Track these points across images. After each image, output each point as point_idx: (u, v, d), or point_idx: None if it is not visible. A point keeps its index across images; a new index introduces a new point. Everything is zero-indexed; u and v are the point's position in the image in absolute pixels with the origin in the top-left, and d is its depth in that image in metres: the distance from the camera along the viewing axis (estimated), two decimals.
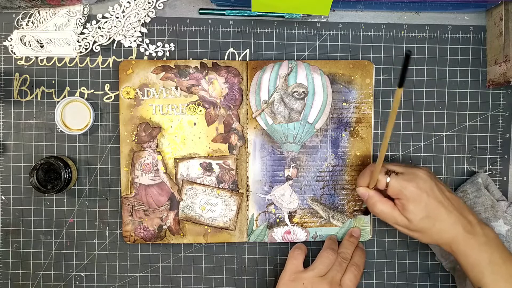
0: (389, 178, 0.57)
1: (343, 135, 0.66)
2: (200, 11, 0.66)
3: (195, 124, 0.66)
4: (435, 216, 0.55)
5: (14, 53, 0.66)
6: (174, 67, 0.65)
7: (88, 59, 0.67)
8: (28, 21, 0.66)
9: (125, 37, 0.66)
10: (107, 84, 0.67)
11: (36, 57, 0.66)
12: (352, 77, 0.65)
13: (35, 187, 0.62)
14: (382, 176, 0.57)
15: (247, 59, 0.67)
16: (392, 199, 0.58)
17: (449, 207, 0.56)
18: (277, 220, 0.66)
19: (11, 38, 0.65)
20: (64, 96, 0.67)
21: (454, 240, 0.55)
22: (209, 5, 0.66)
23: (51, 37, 0.65)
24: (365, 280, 0.68)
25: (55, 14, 0.65)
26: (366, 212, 0.66)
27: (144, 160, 0.65)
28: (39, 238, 0.67)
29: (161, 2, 0.66)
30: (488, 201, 0.63)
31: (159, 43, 0.66)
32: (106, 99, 0.67)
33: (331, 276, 0.60)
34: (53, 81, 0.67)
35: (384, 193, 0.59)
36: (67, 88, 0.67)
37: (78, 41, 0.65)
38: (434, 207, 0.55)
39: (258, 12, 0.65)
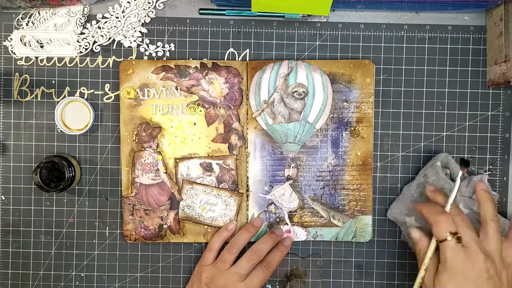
0: (450, 238, 0.54)
1: (344, 134, 0.66)
2: (200, 11, 0.66)
3: (195, 124, 0.66)
4: None
5: (14, 53, 0.66)
6: (174, 67, 0.65)
7: (88, 59, 0.67)
8: (28, 21, 0.66)
9: (125, 37, 0.66)
10: (107, 84, 0.67)
11: (36, 57, 0.66)
12: (353, 77, 0.65)
13: (38, 185, 0.62)
14: (446, 229, 0.54)
15: (247, 59, 0.67)
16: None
17: None
18: (277, 220, 0.66)
19: (11, 38, 0.65)
20: (64, 96, 0.67)
21: None
22: (209, 5, 0.67)
23: (51, 37, 0.65)
24: (365, 280, 0.68)
25: (55, 14, 0.65)
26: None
27: (145, 160, 0.65)
28: (39, 238, 0.67)
29: (161, 2, 0.66)
30: (446, 185, 0.62)
31: (159, 43, 0.66)
32: (106, 99, 0.67)
33: (235, 271, 0.62)
34: (53, 81, 0.67)
35: None
36: (67, 88, 0.67)
37: (78, 41, 0.65)
38: None
39: (258, 12, 0.65)
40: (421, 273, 0.56)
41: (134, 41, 0.66)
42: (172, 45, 0.67)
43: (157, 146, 0.65)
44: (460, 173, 0.58)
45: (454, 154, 0.67)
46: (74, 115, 0.66)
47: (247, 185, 0.66)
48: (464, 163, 0.59)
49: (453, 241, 0.53)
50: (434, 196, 0.60)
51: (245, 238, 0.64)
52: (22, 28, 0.66)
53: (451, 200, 0.57)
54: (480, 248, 0.53)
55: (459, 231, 0.54)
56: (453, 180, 0.64)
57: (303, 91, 0.64)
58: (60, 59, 0.66)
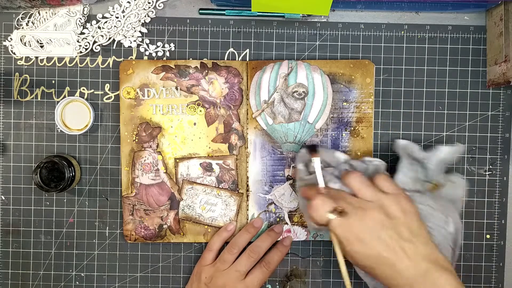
0: (332, 216, 0.53)
1: (344, 134, 0.66)
2: (200, 11, 0.66)
3: (195, 124, 0.66)
4: (379, 264, 0.51)
5: (14, 53, 0.66)
6: (174, 67, 0.65)
7: (88, 59, 0.67)
8: (28, 21, 0.66)
9: (125, 37, 0.66)
10: (107, 84, 0.67)
11: (36, 57, 0.66)
12: (353, 77, 0.65)
13: (38, 185, 0.62)
14: (324, 210, 0.53)
15: (247, 59, 0.67)
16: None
17: (400, 254, 0.50)
18: (277, 219, 0.66)
19: (11, 38, 0.65)
20: (64, 96, 0.67)
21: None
22: (209, 5, 0.67)
23: (51, 37, 0.65)
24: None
25: (55, 14, 0.65)
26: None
27: (145, 160, 0.65)
28: (39, 238, 0.67)
29: (161, 2, 0.66)
30: (309, 178, 0.61)
31: (159, 43, 0.66)
32: (106, 99, 0.67)
33: (235, 268, 0.62)
34: (53, 81, 0.67)
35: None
36: (67, 88, 0.67)
37: (78, 41, 0.65)
38: (381, 257, 0.51)
39: (258, 12, 0.65)
40: (340, 260, 0.54)
41: (134, 41, 0.66)
42: (172, 45, 0.67)
43: (157, 146, 0.65)
44: (314, 160, 0.57)
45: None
46: (74, 115, 0.66)
47: (247, 185, 0.66)
48: (309, 149, 0.59)
49: (337, 218, 0.52)
50: (306, 194, 0.58)
51: (245, 238, 0.64)
52: (22, 28, 0.66)
53: (320, 181, 0.56)
54: (359, 206, 0.52)
55: (337, 205, 0.53)
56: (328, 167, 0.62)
57: (303, 91, 0.64)
58: (60, 59, 0.66)
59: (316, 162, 0.57)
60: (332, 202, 0.53)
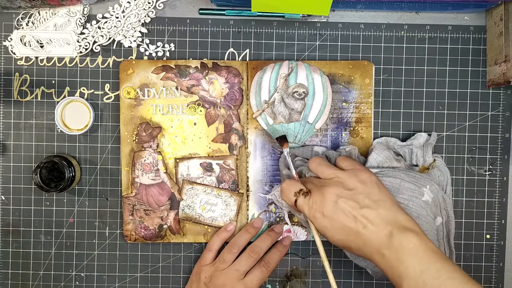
0: (298, 197, 0.56)
1: (343, 135, 0.66)
2: (200, 11, 0.66)
3: (195, 124, 0.66)
4: (347, 235, 0.52)
5: (14, 53, 0.66)
6: (174, 67, 0.65)
7: (88, 59, 0.67)
8: (28, 21, 0.66)
9: (125, 37, 0.66)
10: (107, 84, 0.67)
11: (36, 57, 0.66)
12: (352, 77, 0.66)
13: (38, 185, 0.62)
14: (290, 192, 0.56)
15: (247, 59, 0.67)
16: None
17: (362, 220, 0.51)
18: (278, 220, 0.66)
19: (11, 38, 0.65)
20: (64, 96, 0.67)
21: (372, 257, 0.51)
22: (209, 5, 0.67)
23: (51, 37, 0.65)
24: (365, 280, 0.68)
25: (55, 14, 0.65)
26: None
27: (145, 160, 0.65)
28: (39, 238, 0.67)
29: (161, 2, 0.66)
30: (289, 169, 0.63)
31: (159, 43, 0.66)
32: (106, 99, 0.67)
33: (235, 268, 0.62)
34: (53, 81, 0.67)
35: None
36: (67, 88, 0.67)
37: (78, 41, 0.65)
38: (346, 228, 0.52)
39: (258, 12, 0.65)
40: (317, 241, 0.57)
41: (134, 41, 0.66)
42: (172, 45, 0.67)
43: (157, 146, 0.65)
44: (285, 150, 0.61)
45: (454, 154, 0.67)
46: (74, 115, 0.66)
47: (247, 185, 0.66)
48: (279, 140, 0.62)
49: (301, 197, 0.55)
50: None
51: (245, 238, 0.64)
52: (22, 28, 0.66)
53: (291, 170, 0.60)
54: (320, 185, 0.55)
55: (303, 187, 0.56)
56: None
57: (303, 92, 0.64)
58: (60, 59, 0.66)
59: (285, 151, 0.61)
60: (299, 185, 0.56)
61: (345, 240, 0.53)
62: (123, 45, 0.66)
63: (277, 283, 0.68)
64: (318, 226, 0.54)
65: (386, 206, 0.52)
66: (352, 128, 0.66)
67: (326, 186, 0.54)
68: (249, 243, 0.65)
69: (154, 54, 0.66)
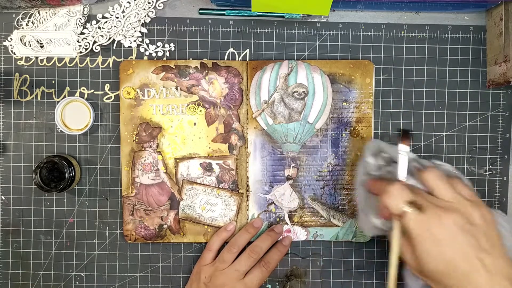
0: (408, 208, 0.48)
1: (344, 134, 0.66)
2: (200, 11, 0.66)
3: (195, 124, 0.66)
4: (452, 271, 0.47)
5: (14, 53, 0.66)
6: (174, 67, 0.65)
7: (88, 59, 0.67)
8: (28, 21, 0.66)
9: (125, 37, 0.66)
10: (107, 84, 0.67)
11: (36, 57, 0.66)
12: (352, 77, 0.66)
13: (38, 185, 0.62)
14: (402, 198, 0.49)
15: (247, 59, 0.67)
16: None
17: (477, 265, 0.46)
18: (278, 219, 0.66)
19: (11, 38, 0.65)
20: (64, 96, 0.67)
21: None
22: (209, 5, 0.67)
23: (51, 37, 0.65)
24: (365, 280, 0.68)
25: (55, 14, 0.65)
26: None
27: (145, 160, 0.65)
28: (39, 238, 0.67)
29: (161, 2, 0.66)
30: (384, 173, 0.56)
31: (159, 43, 0.66)
32: (106, 99, 0.67)
33: (234, 268, 0.62)
34: (53, 81, 0.67)
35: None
36: (67, 88, 0.67)
37: (78, 41, 0.65)
38: (455, 263, 0.46)
39: (258, 12, 0.65)
40: (393, 261, 0.50)
41: (134, 41, 0.66)
42: (172, 45, 0.67)
43: (157, 146, 0.65)
44: (401, 147, 0.52)
45: (454, 154, 0.67)
46: (74, 115, 0.66)
47: (247, 185, 0.66)
48: (403, 134, 0.53)
49: (414, 212, 0.48)
50: (375, 186, 0.54)
51: (245, 238, 0.64)
52: (22, 28, 0.66)
53: (401, 172, 0.51)
54: (438, 205, 0.48)
55: (415, 199, 0.49)
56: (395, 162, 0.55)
57: (303, 91, 0.64)
58: (60, 59, 0.66)
59: (404, 150, 0.52)
60: (410, 193, 0.49)
61: (444, 274, 0.47)
62: (123, 45, 0.66)
63: (277, 283, 0.68)
64: (419, 248, 0.47)
65: (501, 254, 0.47)
66: (352, 128, 0.66)
67: (447, 210, 0.47)
68: (249, 243, 0.65)
69: (154, 54, 0.66)
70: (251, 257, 0.62)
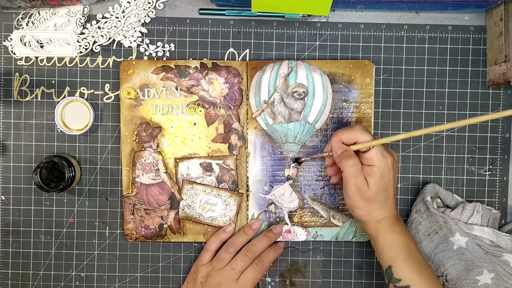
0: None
1: None
2: (200, 11, 0.66)
3: (195, 124, 0.66)
4: (386, 194, 0.58)
5: (14, 53, 0.66)
6: (174, 67, 0.65)
7: (88, 59, 0.67)
8: (28, 21, 0.66)
9: (125, 37, 0.66)
10: (107, 84, 0.67)
11: (36, 57, 0.66)
12: (352, 77, 0.66)
13: (38, 185, 0.62)
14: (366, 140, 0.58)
15: (247, 59, 0.67)
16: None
17: (393, 193, 0.59)
18: (277, 220, 0.66)
19: (11, 38, 0.65)
20: (64, 96, 0.67)
21: (384, 220, 0.57)
22: (209, 5, 0.67)
23: (51, 37, 0.65)
24: (365, 280, 0.68)
25: (55, 14, 0.65)
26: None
27: (145, 160, 0.65)
28: (39, 238, 0.67)
29: (161, 2, 0.66)
30: (439, 219, 0.63)
31: (159, 43, 0.66)
32: (106, 99, 0.67)
33: (230, 267, 0.62)
34: (53, 81, 0.67)
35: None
36: (67, 88, 0.67)
37: (78, 41, 0.65)
38: (390, 187, 0.58)
39: (258, 12, 0.65)
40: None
41: (134, 41, 0.66)
42: (172, 45, 0.67)
43: (157, 146, 0.66)
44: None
45: (454, 154, 0.67)
46: (74, 115, 0.66)
47: (247, 185, 0.66)
48: None
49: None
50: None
51: (242, 239, 0.64)
52: (22, 28, 0.66)
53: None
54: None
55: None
56: (448, 206, 0.66)
57: (303, 91, 0.64)
58: (60, 59, 0.66)
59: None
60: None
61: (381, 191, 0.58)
62: (123, 45, 0.66)
63: (277, 277, 0.68)
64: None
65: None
66: None
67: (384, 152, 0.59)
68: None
69: (154, 54, 0.66)
70: (246, 256, 0.63)
